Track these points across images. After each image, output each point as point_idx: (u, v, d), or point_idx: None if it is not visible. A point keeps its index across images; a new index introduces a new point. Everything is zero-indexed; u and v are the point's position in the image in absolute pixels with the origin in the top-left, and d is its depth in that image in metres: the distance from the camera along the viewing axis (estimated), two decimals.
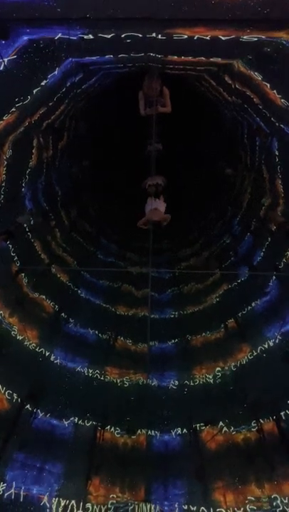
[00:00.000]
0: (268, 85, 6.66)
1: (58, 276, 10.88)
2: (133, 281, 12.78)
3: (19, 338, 7.99)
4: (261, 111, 8.20)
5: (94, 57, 7.39)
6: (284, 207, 8.89)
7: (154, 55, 6.59)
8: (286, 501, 5.55)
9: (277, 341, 7.66)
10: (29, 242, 9.86)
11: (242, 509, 5.83)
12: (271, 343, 7.80)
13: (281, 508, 5.59)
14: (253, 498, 5.87)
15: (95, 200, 15.56)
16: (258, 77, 6.81)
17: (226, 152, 13.51)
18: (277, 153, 9.11)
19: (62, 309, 9.74)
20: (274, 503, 5.68)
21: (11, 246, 8.55)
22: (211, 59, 7.33)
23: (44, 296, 9.54)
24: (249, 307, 9.15)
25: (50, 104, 8.30)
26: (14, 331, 7.95)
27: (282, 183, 9.03)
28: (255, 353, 8.06)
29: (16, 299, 8.42)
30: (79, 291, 11.06)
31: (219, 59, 7.34)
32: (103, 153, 15.73)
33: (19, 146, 8.02)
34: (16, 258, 8.77)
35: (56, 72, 6.84)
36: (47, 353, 8.29)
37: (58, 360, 8.41)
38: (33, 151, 9.31)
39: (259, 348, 8.02)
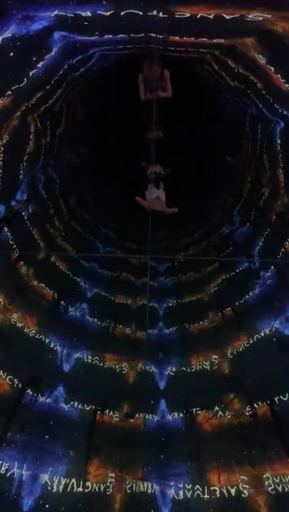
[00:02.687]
0: (272, 69, 6.45)
1: (57, 264, 10.89)
2: (132, 270, 12.84)
3: (19, 325, 8.08)
4: (264, 96, 7.98)
5: (92, 38, 7.10)
6: (284, 196, 8.82)
7: (154, 35, 6.33)
8: (277, 480, 5.81)
9: (273, 330, 7.79)
10: (28, 230, 9.80)
11: (235, 487, 6.11)
12: (267, 332, 7.94)
13: (273, 487, 5.86)
14: (245, 478, 6.14)
15: (93, 187, 15.35)
16: (262, 60, 6.58)
17: (227, 140, 13.26)
18: (279, 141, 8.95)
19: (61, 297, 9.81)
20: (266, 482, 5.95)
21: (9, 234, 8.50)
22: (214, 40, 7.05)
23: (43, 284, 9.58)
24: (246, 296, 9.25)
25: (48, 87, 8.03)
26: (14, 318, 8.03)
27: (283, 172, 8.91)
28: (251, 341, 8.21)
29: (15, 286, 8.47)
30: (78, 280, 11.11)
31: (222, 40, 7.07)
32: (102, 140, 15.40)
33: (16, 132, 7.82)
34: (14, 246, 8.75)
35: (53, 53, 6.58)
36: (47, 340, 8.41)
37: (58, 347, 8.55)
38: (31, 136, 9.09)
39: (255, 336, 8.17)
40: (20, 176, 9.02)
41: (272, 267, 8.99)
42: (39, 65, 6.42)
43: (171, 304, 11.23)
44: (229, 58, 8.38)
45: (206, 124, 14.96)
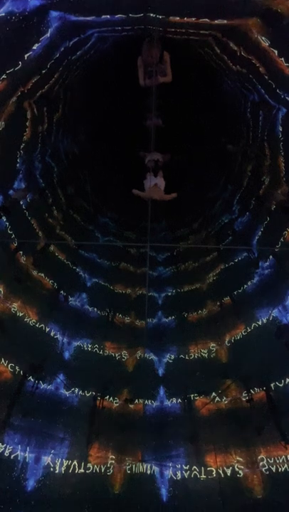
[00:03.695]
0: (276, 52, 6.24)
1: (56, 254, 10.89)
2: (131, 260, 12.86)
3: (19, 314, 8.17)
4: (267, 82, 7.76)
5: (89, 18, 6.82)
6: (285, 185, 8.74)
7: (154, 15, 6.08)
8: (271, 461, 6.05)
9: (270, 318, 7.90)
10: (26, 219, 9.74)
11: (230, 468, 6.37)
12: (265, 320, 8.06)
13: (267, 467, 6.11)
14: (241, 459, 6.39)
15: (92, 176, 15.14)
16: (265, 42, 6.36)
17: (228, 127, 13.00)
18: (280, 128, 8.77)
19: (61, 287, 9.86)
20: (260, 463, 6.20)
21: (8, 223, 8.45)
22: (216, 21, 6.79)
23: (43, 274, 9.61)
24: (245, 286, 9.32)
25: (44, 71, 7.78)
26: (14, 307, 8.10)
27: (285, 160, 8.79)
28: (249, 330, 8.34)
29: (15, 276, 8.49)
30: (77, 270, 11.14)
31: (224, 21, 6.80)
32: (101, 127, 15.06)
33: (12, 118, 7.63)
34: (13, 236, 8.71)
35: (48, 34, 6.33)
36: (47, 329, 8.52)
37: (58, 336, 8.67)
38: (27, 123, 8.88)
39: (253, 324, 8.29)
40: (18, 165, 8.87)
41: (270, 257, 9.02)
42: (34, 47, 6.19)
43: (170, 294, 11.33)
44: (231, 40, 8.10)
45: (207, 110, 14.62)
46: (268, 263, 9.12)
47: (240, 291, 9.38)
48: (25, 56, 6.07)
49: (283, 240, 8.66)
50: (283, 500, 5.58)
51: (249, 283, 9.31)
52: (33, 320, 8.38)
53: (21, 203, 9.32)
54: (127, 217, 14.78)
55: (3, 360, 7.05)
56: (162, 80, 6.51)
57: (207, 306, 9.99)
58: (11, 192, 8.38)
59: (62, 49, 7.83)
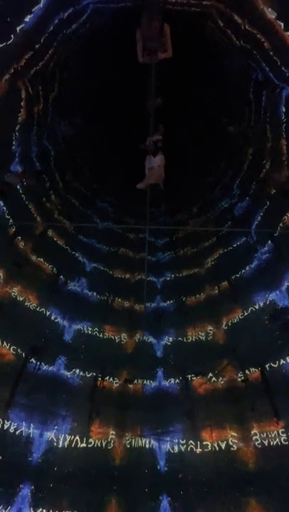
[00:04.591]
0: (282, 25, 5.93)
1: (55, 239, 10.86)
2: (130, 246, 12.86)
3: (20, 299, 8.26)
4: (271, 58, 7.44)
5: None
6: (286, 168, 8.60)
7: None
8: (264, 436, 6.36)
9: (267, 302, 8.03)
10: (24, 204, 9.62)
11: (225, 442, 6.71)
12: (261, 304, 8.19)
13: (259, 441, 6.44)
14: (235, 434, 6.71)
15: (90, 160, 14.80)
16: (271, 14, 6.03)
17: (230, 107, 12.58)
18: (283, 109, 8.51)
19: (60, 272, 9.91)
20: (254, 438, 6.52)
21: (5, 208, 8.36)
22: None
23: (42, 259, 9.63)
24: (243, 270, 9.39)
25: (37, 46, 7.40)
26: (14, 292, 8.18)
27: (287, 142, 8.60)
28: (245, 313, 8.50)
29: (14, 261, 8.51)
30: (76, 255, 11.15)
31: None
32: (98, 107, 14.51)
33: (6, 98, 7.34)
34: (11, 222, 8.64)
35: (41, 5, 5.97)
36: (47, 313, 8.65)
37: (59, 319, 8.83)
38: (22, 104, 8.56)
39: (249, 308, 8.43)
40: (13, 147, 8.64)
41: (269, 242, 9.03)
42: (26, 19, 5.86)
43: (168, 278, 11.43)
44: (235, 13, 7.67)
45: (208, 90, 14.06)
46: (266, 248, 9.15)
47: (238, 275, 9.46)
48: (18, 29, 5.75)
49: (283, 224, 8.64)
50: (274, 470, 5.92)
51: (247, 268, 9.37)
52: (34, 304, 8.49)
53: (18, 187, 9.17)
54: (126, 203, 14.60)
55: (5, 343, 7.21)
56: (162, 57, 6.19)
57: (205, 291, 10.12)
58: (7, 176, 8.22)
59: (57, 21, 7.42)
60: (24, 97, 8.41)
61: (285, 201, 8.20)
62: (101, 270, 11.21)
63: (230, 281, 9.45)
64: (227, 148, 13.26)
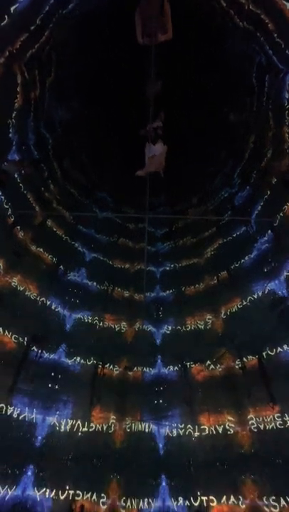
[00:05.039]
0: (287, 6, 5.72)
1: (54, 230, 10.83)
2: (130, 236, 12.84)
3: (20, 288, 8.32)
4: (275, 41, 7.21)
5: None
6: (288, 156, 8.48)
7: None
8: (260, 420, 6.57)
9: (266, 291, 8.11)
10: (22, 193, 9.54)
11: (222, 426, 6.93)
12: (260, 293, 8.27)
13: (255, 425, 6.65)
14: (232, 418, 6.92)
15: (88, 148, 14.55)
16: None
17: (232, 93, 12.27)
18: (287, 95, 8.32)
19: (60, 262, 9.95)
20: (250, 422, 6.73)
21: (3, 197, 8.30)
22: None
23: (42, 249, 9.64)
24: (242, 260, 9.42)
25: (33, 28, 7.15)
26: (14, 281, 8.24)
27: None
28: (244, 302, 8.59)
29: (13, 251, 8.52)
30: (76, 245, 11.15)
31: None
32: (97, 93, 14.12)
33: (2, 83, 7.16)
34: (10, 212, 8.60)
35: None
36: (48, 302, 8.74)
37: (59, 309, 8.92)
38: (18, 89, 8.34)
39: (249, 297, 8.52)
40: (10, 135, 8.49)
41: (269, 231, 9.02)
42: None
43: (168, 268, 11.48)
44: None
45: (209, 74, 13.66)
46: (266, 238, 9.15)
47: (237, 265, 9.50)
48: (12, 9, 5.53)
49: (283, 214, 8.61)
50: (269, 452, 6.15)
51: (246, 257, 9.40)
52: (34, 294, 8.56)
53: (16, 175, 9.06)
54: (125, 193, 14.47)
55: (6, 332, 7.32)
56: (162, 38, 5.99)
57: (204, 280, 10.19)
58: (4, 164, 8.11)
59: (52, 1, 7.13)
60: (20, 82, 8.20)
61: (286, 191, 8.14)
62: (101, 260, 11.24)
63: (229, 271, 9.50)
64: (228, 136, 13.02)
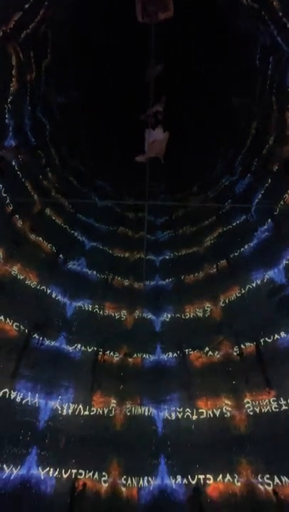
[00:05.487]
0: None
1: (54, 218, 10.75)
2: (129, 225, 12.78)
3: (20, 277, 8.35)
4: (280, 19, 6.92)
5: None
6: None
7: None
8: (256, 404, 6.76)
9: (264, 280, 8.16)
10: (20, 181, 9.40)
11: (219, 410, 7.14)
12: (259, 282, 8.32)
13: (251, 409, 6.85)
14: (229, 402, 7.13)
15: (87, 135, 14.22)
16: None
17: (234, 76, 11.87)
18: None
19: (60, 251, 9.94)
20: (246, 406, 6.94)
21: (1, 185, 8.19)
22: None
23: (41, 238, 9.61)
24: (242, 249, 9.42)
25: (27, 6, 6.84)
26: (14, 270, 8.26)
27: None
28: (243, 291, 8.65)
29: (13, 240, 8.50)
30: (75, 234, 11.11)
31: None
32: (95, 75, 13.58)
33: None
34: (8, 200, 8.51)
35: None
36: (48, 291, 8.80)
37: (60, 297, 9.00)
38: (13, 72, 8.07)
39: (247, 286, 8.57)
40: (6, 120, 8.28)
41: (269, 220, 8.98)
42: None
43: (167, 257, 11.50)
44: None
45: (212, 57, 13.14)
46: (266, 226, 9.12)
47: (236, 254, 9.51)
48: None
49: (283, 202, 8.54)
50: (264, 434, 6.37)
51: (246, 246, 9.40)
52: (34, 282, 8.61)
53: (13, 163, 8.91)
54: (125, 181, 14.24)
55: (8, 320, 7.41)
56: (163, 16, 5.71)
57: (204, 269, 10.22)
58: (1, 151, 7.95)
59: None
60: (15, 64, 7.91)
61: (287, 177, 8.04)
62: (100, 249, 11.23)
63: (228, 260, 9.52)
64: (230, 122, 12.70)
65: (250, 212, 10.04)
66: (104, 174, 14.35)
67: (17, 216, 8.83)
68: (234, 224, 10.44)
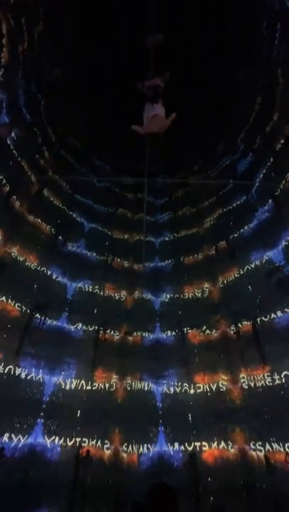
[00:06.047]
0: None
1: (52, 199, 10.60)
2: (129, 206, 12.63)
3: (20, 259, 8.39)
4: None
5: None
6: None
7: None
8: (251, 378, 7.06)
9: (263, 260, 8.20)
10: (17, 161, 9.16)
11: (215, 385, 7.48)
12: (258, 262, 8.37)
13: (246, 383, 7.17)
14: (224, 377, 7.44)
15: (84, 110, 13.59)
16: None
17: (239, 46, 11.15)
18: None
19: (59, 232, 9.90)
20: (241, 380, 7.26)
21: None
22: None
23: (40, 220, 9.54)
24: (242, 230, 9.38)
25: None
26: (14, 252, 8.28)
27: None
28: (242, 272, 8.73)
29: (11, 221, 8.44)
30: (74, 215, 11.01)
31: None
32: (91, 45, 12.72)
33: None
34: (4, 181, 8.34)
35: None
36: (48, 272, 8.88)
37: (60, 278, 9.10)
38: (4, 41, 7.58)
39: (246, 267, 8.63)
40: None
41: (270, 201, 8.86)
42: None
43: (167, 239, 11.49)
44: None
45: (215, 24, 12.24)
46: (266, 207, 9.01)
47: (236, 235, 9.49)
48: None
49: (285, 182, 8.37)
50: (257, 406, 6.71)
51: (246, 227, 9.35)
52: (34, 263, 8.67)
53: (8, 141, 8.63)
54: (123, 160, 13.85)
55: (10, 301, 7.55)
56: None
57: (203, 250, 10.25)
58: None
59: None
60: (6, 33, 7.43)
61: None
62: (99, 231, 11.19)
63: (228, 241, 9.51)
64: (233, 97, 12.09)
65: (250, 192, 9.88)
66: (102, 153, 13.93)
67: (14, 197, 8.70)
68: (234, 205, 10.31)
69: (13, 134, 8.45)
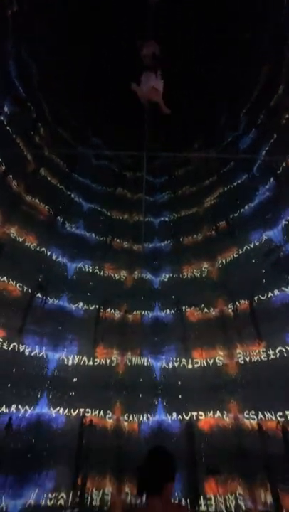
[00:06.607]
0: None
1: (49, 179, 10.37)
2: (127, 185, 12.38)
3: (19, 239, 8.37)
4: None
5: None
6: None
7: None
8: (247, 354, 7.34)
9: (263, 240, 8.21)
10: (11, 138, 8.85)
11: (212, 360, 7.78)
12: (257, 242, 8.38)
13: (242, 359, 7.46)
14: (221, 353, 7.73)
15: (80, 84, 12.91)
16: None
17: (242, 12, 10.40)
18: None
19: (57, 213, 9.80)
20: (238, 356, 7.54)
21: None
22: None
23: (37, 200, 9.40)
24: (242, 209, 9.29)
25: None
26: (13, 232, 8.24)
27: None
28: (240, 252, 8.77)
29: (9, 201, 8.32)
30: (72, 195, 10.83)
31: None
32: (89, 10, 11.77)
33: None
34: (0, 160, 8.10)
35: None
36: (48, 252, 8.90)
37: (60, 258, 9.14)
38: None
39: (245, 247, 8.66)
40: None
41: (271, 180, 8.69)
42: None
43: (166, 219, 11.39)
44: None
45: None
46: (268, 186, 8.86)
47: (236, 215, 9.41)
48: None
49: (287, 160, 8.17)
50: (252, 379, 7.04)
51: (246, 206, 9.25)
52: (34, 244, 8.67)
53: (1, 118, 8.28)
54: (122, 137, 13.36)
55: (11, 281, 7.64)
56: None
57: (203, 231, 10.22)
58: None
59: None
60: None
61: None
62: (98, 211, 11.07)
63: (228, 221, 9.45)
64: (237, 66, 11.41)
65: (252, 170, 9.66)
66: (100, 130, 13.41)
67: (11, 176, 8.51)
68: (235, 184, 10.13)
69: (6, 109, 8.08)
